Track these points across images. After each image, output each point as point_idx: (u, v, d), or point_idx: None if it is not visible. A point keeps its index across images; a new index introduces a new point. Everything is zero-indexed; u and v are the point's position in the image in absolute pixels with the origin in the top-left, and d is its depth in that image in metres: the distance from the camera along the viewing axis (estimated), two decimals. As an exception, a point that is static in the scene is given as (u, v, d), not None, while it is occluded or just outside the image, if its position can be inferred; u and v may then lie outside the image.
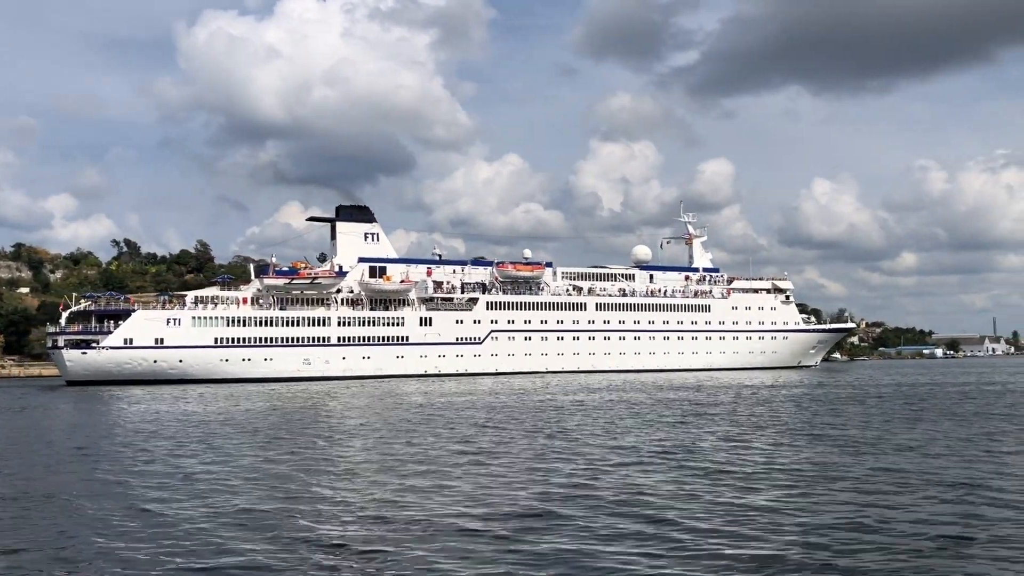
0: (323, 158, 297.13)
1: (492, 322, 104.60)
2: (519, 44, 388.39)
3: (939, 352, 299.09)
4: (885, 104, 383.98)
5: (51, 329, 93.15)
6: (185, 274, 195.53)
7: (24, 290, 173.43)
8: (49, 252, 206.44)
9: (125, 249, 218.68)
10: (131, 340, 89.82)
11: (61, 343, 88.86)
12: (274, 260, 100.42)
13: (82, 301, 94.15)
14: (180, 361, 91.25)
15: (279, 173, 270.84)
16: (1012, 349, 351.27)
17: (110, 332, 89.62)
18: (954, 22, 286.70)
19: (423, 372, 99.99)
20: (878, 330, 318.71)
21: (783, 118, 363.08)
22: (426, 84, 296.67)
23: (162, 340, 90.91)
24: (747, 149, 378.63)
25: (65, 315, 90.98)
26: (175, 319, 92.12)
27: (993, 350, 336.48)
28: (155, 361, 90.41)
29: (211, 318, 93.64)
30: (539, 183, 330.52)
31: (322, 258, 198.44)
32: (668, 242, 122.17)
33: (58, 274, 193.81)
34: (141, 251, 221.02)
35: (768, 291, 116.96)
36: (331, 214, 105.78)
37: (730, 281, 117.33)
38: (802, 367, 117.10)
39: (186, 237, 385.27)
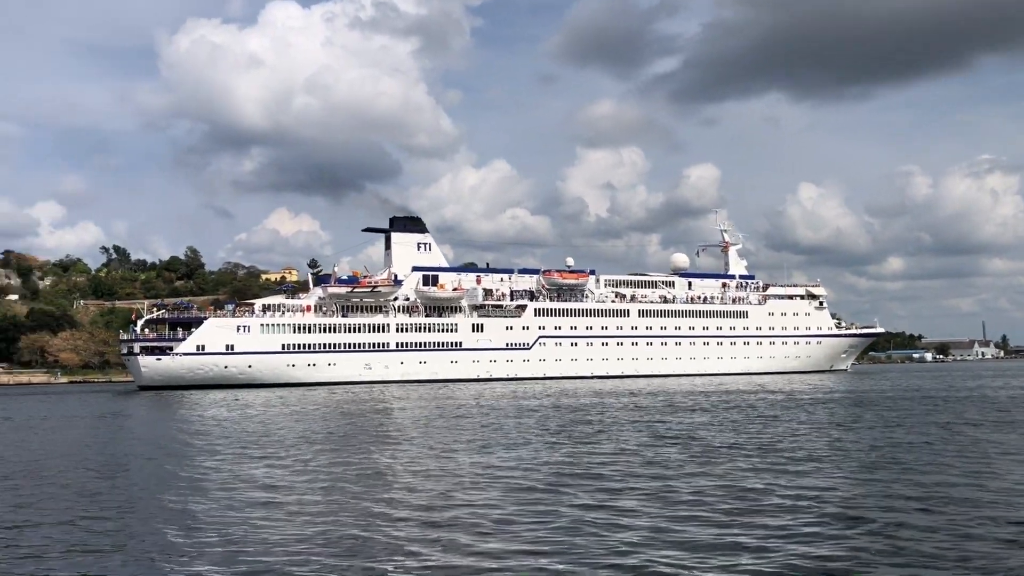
0: (308, 165, 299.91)
1: (540, 328, 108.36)
2: (501, 52, 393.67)
3: (928, 356, 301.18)
4: (865, 111, 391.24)
5: (125, 336, 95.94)
6: (175, 280, 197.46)
7: (13, 297, 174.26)
8: (38, 259, 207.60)
9: (115, 256, 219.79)
10: (203, 347, 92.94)
11: (136, 349, 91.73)
12: (336, 270, 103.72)
13: (154, 310, 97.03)
14: (249, 366, 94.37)
15: (264, 180, 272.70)
16: (1001, 353, 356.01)
17: (183, 339, 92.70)
18: (932, 31, 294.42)
19: (475, 376, 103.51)
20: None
21: (766, 124, 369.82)
22: (408, 92, 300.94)
23: (232, 346, 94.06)
24: (731, 154, 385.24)
25: (140, 323, 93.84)
26: (245, 326, 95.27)
27: (983, 354, 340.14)
28: (225, 367, 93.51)
29: (278, 325, 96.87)
30: (526, 189, 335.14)
31: (312, 264, 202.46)
32: (703, 249, 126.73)
33: (47, 281, 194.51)
34: (130, 258, 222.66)
35: (802, 297, 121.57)
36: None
37: (765, 288, 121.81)
38: (835, 371, 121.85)
39: (173, 244, 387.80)
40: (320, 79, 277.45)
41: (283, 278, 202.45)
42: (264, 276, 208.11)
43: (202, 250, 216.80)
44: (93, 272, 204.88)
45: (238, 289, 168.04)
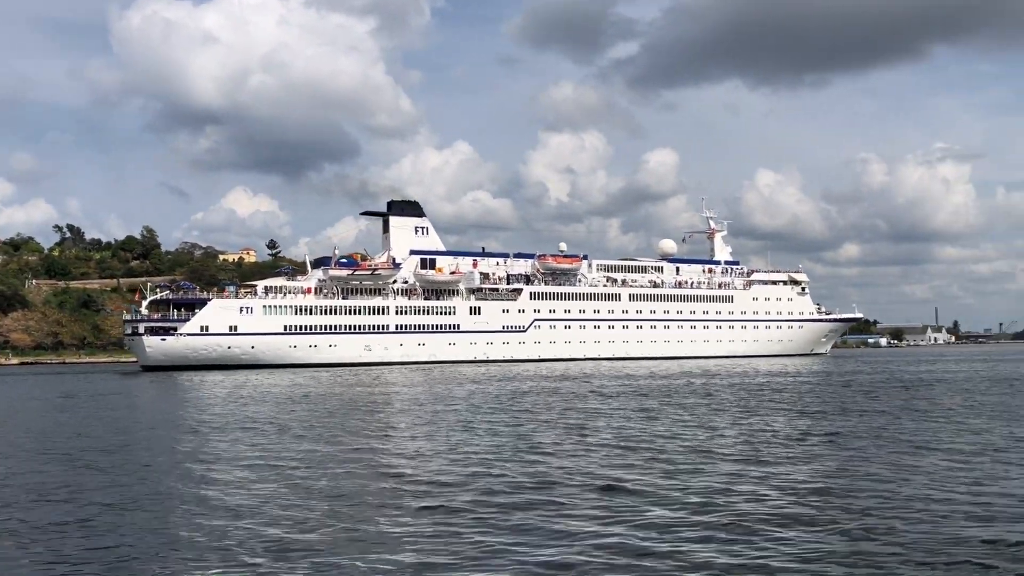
0: (266, 144, 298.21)
1: (535, 311, 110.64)
2: (462, 33, 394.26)
3: (883, 342, 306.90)
4: (823, 98, 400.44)
5: (128, 317, 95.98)
6: (131, 260, 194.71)
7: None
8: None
9: (68, 235, 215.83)
10: (207, 327, 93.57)
11: (141, 330, 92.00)
12: (336, 252, 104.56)
13: (157, 291, 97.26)
14: (252, 347, 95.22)
15: (220, 159, 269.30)
16: (952, 338, 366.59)
17: (187, 320, 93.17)
18: (888, 20, 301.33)
19: (473, 358, 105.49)
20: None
21: (724, 111, 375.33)
22: (367, 71, 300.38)
23: (235, 327, 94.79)
24: (691, 140, 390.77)
25: (144, 304, 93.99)
26: (248, 307, 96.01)
27: (935, 339, 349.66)
28: (229, 347, 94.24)
29: (281, 307, 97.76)
30: (488, 172, 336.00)
31: (271, 244, 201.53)
32: (690, 235, 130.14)
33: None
34: (84, 237, 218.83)
35: (785, 283, 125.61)
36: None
37: (749, 273, 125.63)
38: (815, 354, 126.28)
39: (128, 223, 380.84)
40: (277, 57, 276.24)
41: (241, 259, 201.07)
42: (222, 257, 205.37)
43: (158, 230, 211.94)
44: (46, 251, 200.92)
45: (195, 269, 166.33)
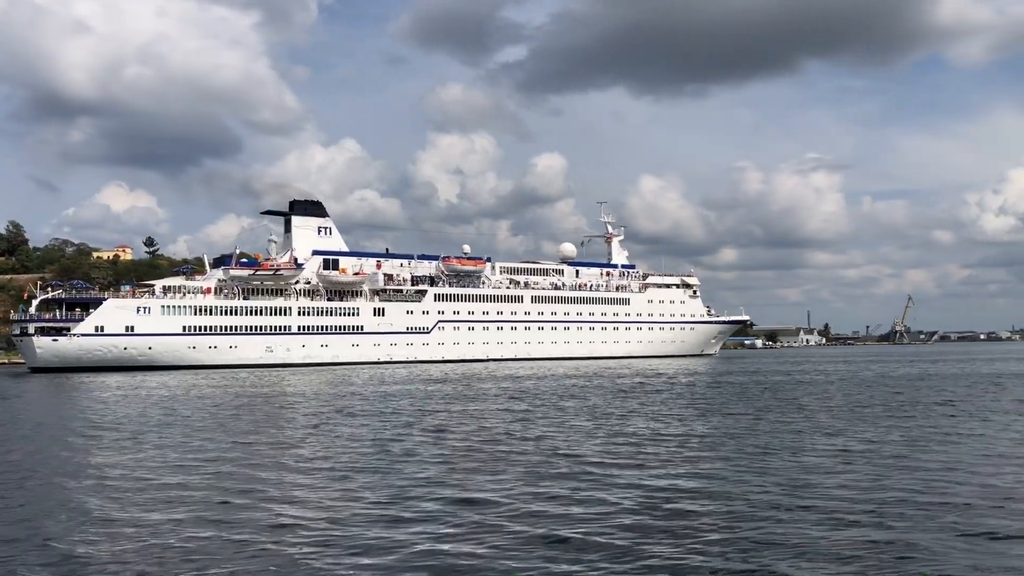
0: (143, 138, 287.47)
1: (439, 313, 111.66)
2: (350, 30, 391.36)
3: (759, 343, 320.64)
4: (702, 108, 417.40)
5: (16, 316, 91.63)
6: None
7: None
8: None
9: None
10: (102, 328, 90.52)
11: (31, 330, 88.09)
12: (237, 252, 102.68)
13: (49, 289, 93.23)
14: (149, 348, 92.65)
15: (94, 152, 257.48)
16: (823, 340, 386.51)
17: (80, 320, 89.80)
18: (763, 34, 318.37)
19: (376, 360, 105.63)
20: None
21: (610, 117, 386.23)
22: (250, 65, 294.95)
23: (132, 328, 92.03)
24: (578, 145, 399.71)
25: (35, 303, 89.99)
26: (145, 307, 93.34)
27: (807, 341, 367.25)
28: (125, 348, 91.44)
29: (180, 307, 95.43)
30: (377, 171, 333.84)
31: (148, 242, 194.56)
32: (588, 240, 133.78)
33: None
34: None
35: (678, 286, 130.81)
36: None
37: (645, 276, 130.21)
38: (705, 355, 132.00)
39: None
40: (154, 48, 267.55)
41: (116, 256, 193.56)
42: (96, 254, 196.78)
43: (25, 225, 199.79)
44: None
45: (66, 267, 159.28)
